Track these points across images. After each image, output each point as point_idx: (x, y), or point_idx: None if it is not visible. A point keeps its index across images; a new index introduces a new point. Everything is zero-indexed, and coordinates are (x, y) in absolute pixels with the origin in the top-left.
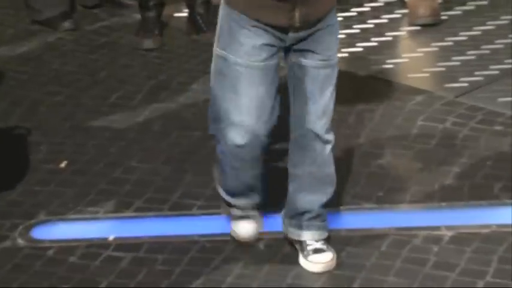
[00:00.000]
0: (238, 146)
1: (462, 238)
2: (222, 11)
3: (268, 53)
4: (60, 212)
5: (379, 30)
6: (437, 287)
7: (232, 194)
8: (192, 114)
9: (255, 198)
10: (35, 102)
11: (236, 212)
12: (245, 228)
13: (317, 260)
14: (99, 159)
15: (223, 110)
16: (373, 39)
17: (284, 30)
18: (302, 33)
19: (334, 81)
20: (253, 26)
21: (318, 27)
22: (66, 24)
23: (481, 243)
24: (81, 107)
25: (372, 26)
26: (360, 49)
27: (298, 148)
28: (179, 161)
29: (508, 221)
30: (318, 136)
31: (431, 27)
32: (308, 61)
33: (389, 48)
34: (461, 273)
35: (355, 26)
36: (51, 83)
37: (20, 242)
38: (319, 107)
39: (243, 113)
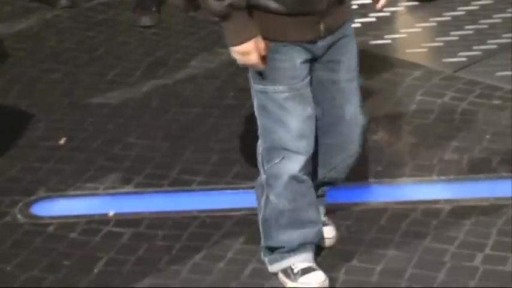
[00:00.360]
0: (295, 177)
1: (461, 211)
2: None
3: (306, 69)
4: (60, 189)
5: None
6: (437, 259)
7: (293, 249)
8: (190, 91)
9: (312, 249)
10: (33, 80)
11: (300, 265)
12: (317, 278)
13: None
14: (97, 135)
15: (277, 142)
16: (371, 14)
17: (312, 41)
18: (329, 39)
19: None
20: (285, 47)
21: (340, 34)
22: (64, 2)
23: (480, 216)
24: (79, 84)
25: (370, 1)
26: (358, 25)
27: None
28: (178, 137)
29: (506, 194)
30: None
31: (429, 2)
32: (338, 75)
33: (387, 24)
34: (460, 246)
35: (353, 2)
36: (49, 60)
37: (20, 218)
38: (353, 122)
39: (297, 138)
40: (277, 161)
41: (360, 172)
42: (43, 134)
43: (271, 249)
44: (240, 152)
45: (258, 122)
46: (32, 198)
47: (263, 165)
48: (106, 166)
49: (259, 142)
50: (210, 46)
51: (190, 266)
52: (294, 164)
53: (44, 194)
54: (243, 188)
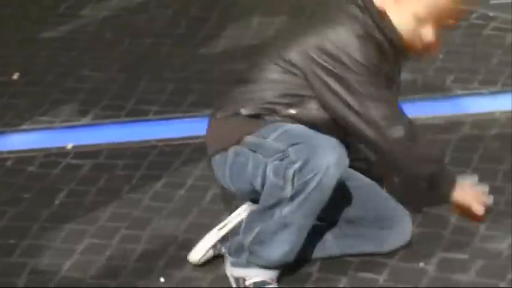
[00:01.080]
0: (322, 189)
1: None
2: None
3: None
4: (16, 123)
5: None
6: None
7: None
8: (142, 21)
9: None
10: None
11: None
12: None
13: None
14: (50, 69)
15: (313, 153)
16: None
17: None
18: None
19: None
20: None
21: None
22: None
23: (436, 135)
24: (30, 19)
25: None
26: None
27: None
28: (133, 68)
29: (461, 111)
30: None
31: None
32: None
33: None
34: None
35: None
36: None
37: None
38: None
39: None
40: (310, 176)
41: None
42: None
43: (246, 250)
44: (195, 80)
45: (290, 155)
46: None
47: (292, 183)
48: (61, 99)
49: (282, 164)
50: None
51: (151, 194)
52: (328, 173)
53: (0, 129)
54: (199, 116)
